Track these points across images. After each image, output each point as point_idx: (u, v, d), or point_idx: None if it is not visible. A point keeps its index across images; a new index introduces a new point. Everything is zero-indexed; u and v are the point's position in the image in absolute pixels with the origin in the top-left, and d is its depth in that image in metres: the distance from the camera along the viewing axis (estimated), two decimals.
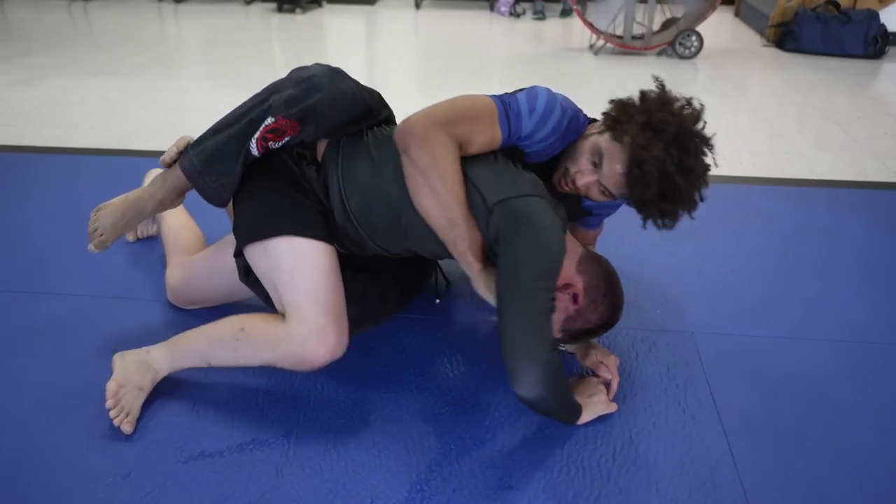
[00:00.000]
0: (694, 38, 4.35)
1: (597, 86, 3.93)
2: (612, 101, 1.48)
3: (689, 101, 1.46)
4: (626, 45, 4.46)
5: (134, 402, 1.48)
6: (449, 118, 1.42)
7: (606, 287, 1.49)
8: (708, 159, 1.44)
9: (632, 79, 4.07)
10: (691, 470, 1.40)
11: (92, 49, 4.62)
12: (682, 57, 4.41)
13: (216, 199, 1.58)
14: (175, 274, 1.82)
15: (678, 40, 4.37)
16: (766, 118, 3.44)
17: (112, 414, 1.44)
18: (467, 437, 1.46)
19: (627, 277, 2.02)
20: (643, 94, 1.46)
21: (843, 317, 1.87)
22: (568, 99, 1.54)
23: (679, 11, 4.63)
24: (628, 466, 1.40)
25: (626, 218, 2.04)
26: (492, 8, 5.76)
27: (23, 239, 2.18)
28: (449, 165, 1.40)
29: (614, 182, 1.44)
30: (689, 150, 1.39)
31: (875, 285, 2.01)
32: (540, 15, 5.53)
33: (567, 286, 1.46)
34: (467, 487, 1.35)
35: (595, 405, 1.51)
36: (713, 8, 4.39)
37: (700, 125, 1.43)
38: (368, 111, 1.57)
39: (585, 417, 1.49)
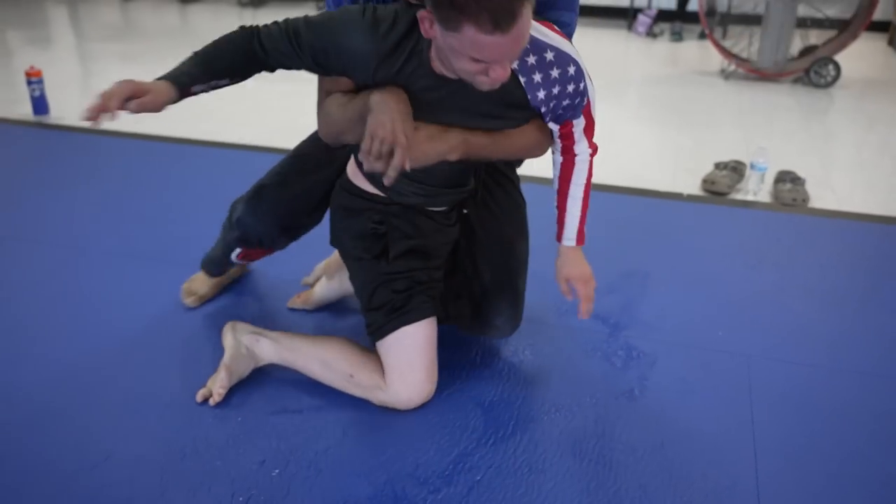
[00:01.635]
0: (830, 66, 4.24)
1: (719, 111, 3.94)
2: None
3: None
4: (759, 71, 4.41)
5: (229, 384, 1.71)
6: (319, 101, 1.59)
7: None
8: None
9: (759, 105, 4.04)
10: (713, 477, 1.50)
11: None
12: (817, 85, 4.31)
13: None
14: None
15: (813, 68, 4.27)
16: (891, 154, 3.33)
17: (215, 399, 1.68)
18: (511, 421, 1.64)
19: (699, 298, 2.11)
20: None
21: None
22: None
23: (819, 39, 4.51)
24: (654, 468, 1.53)
25: (705, 242, 2.14)
26: (630, 27, 5.82)
27: (173, 217, 2.57)
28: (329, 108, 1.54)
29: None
30: None
31: None
32: (677, 36, 5.53)
33: (421, 24, 1.30)
34: (501, 465, 1.52)
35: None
36: (853, 37, 4.26)
37: None
38: (312, 177, 1.78)
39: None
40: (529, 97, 1.47)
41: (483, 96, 1.42)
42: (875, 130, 3.67)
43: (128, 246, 2.39)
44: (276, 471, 1.51)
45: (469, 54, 1.25)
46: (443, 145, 1.48)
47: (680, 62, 5.03)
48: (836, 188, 2.96)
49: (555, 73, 1.44)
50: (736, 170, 2.93)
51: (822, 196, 2.87)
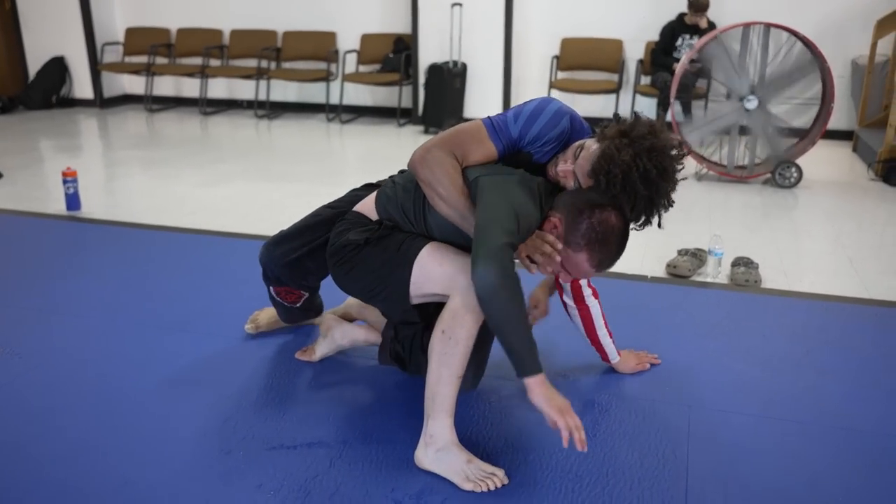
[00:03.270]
0: (793, 169, 4.64)
1: (690, 208, 4.30)
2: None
3: (675, 137, 1.77)
4: (729, 174, 4.81)
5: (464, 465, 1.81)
6: (440, 141, 1.85)
7: (574, 210, 1.77)
8: (678, 174, 1.76)
9: (728, 203, 4.41)
10: (647, 500, 1.74)
11: (268, 159, 5.60)
12: (782, 186, 4.69)
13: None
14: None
15: (778, 171, 4.67)
16: (843, 244, 3.65)
17: (489, 485, 1.77)
18: (477, 455, 1.89)
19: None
20: (636, 115, 1.81)
21: (832, 407, 2.12)
22: (575, 113, 1.92)
23: (782, 145, 4.93)
24: (597, 493, 1.77)
25: (664, 317, 2.43)
26: None
27: (191, 295, 2.89)
28: (445, 173, 1.79)
29: (583, 172, 1.78)
30: (657, 165, 1.69)
31: (873, 385, 2.24)
32: None
33: (548, 222, 1.81)
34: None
35: (554, 399, 1.71)
36: (812, 143, 4.67)
37: (675, 152, 1.74)
38: (319, 233, 2.16)
39: (540, 395, 1.69)
40: None
41: None
42: (830, 224, 4.01)
43: (150, 318, 2.70)
44: (271, 492, 1.76)
45: (564, 265, 1.80)
46: None
47: None
48: (788, 272, 3.26)
49: None
50: (696, 255, 3.25)
51: (774, 279, 3.18)
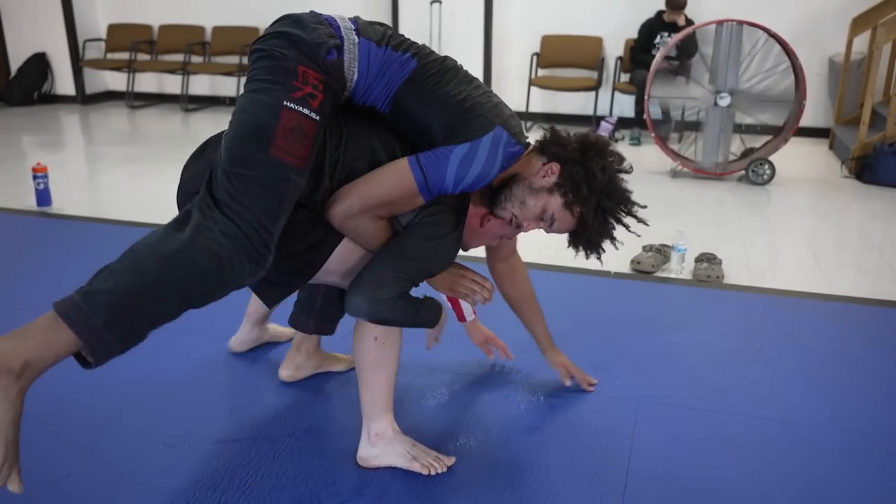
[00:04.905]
0: (766, 166, 4.66)
1: (661, 205, 4.32)
2: (551, 151, 1.76)
3: (621, 163, 1.80)
4: (702, 171, 4.83)
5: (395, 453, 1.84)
6: (365, 203, 1.63)
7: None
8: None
9: (702, 199, 4.42)
10: (586, 491, 1.75)
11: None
12: (755, 183, 4.71)
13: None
14: None
15: (751, 168, 4.69)
16: (809, 240, 3.67)
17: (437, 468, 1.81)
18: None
19: (603, 355, 2.39)
20: (587, 159, 1.72)
21: (777, 401, 2.14)
22: (503, 135, 1.66)
23: (757, 142, 4.95)
24: (537, 486, 1.78)
25: (623, 312, 2.43)
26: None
27: None
28: (370, 241, 1.69)
29: (559, 232, 1.78)
30: (627, 216, 1.79)
31: (821, 379, 2.25)
32: (636, 141, 6.01)
33: (484, 216, 1.80)
34: (408, 481, 1.78)
35: (454, 287, 1.84)
36: (784, 141, 4.69)
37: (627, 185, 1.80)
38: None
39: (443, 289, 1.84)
40: None
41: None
42: (799, 221, 4.03)
43: None
44: (211, 487, 1.76)
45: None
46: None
47: (638, 164, 5.45)
48: (753, 268, 3.28)
49: None
50: (661, 252, 3.26)
51: (738, 275, 3.19)
